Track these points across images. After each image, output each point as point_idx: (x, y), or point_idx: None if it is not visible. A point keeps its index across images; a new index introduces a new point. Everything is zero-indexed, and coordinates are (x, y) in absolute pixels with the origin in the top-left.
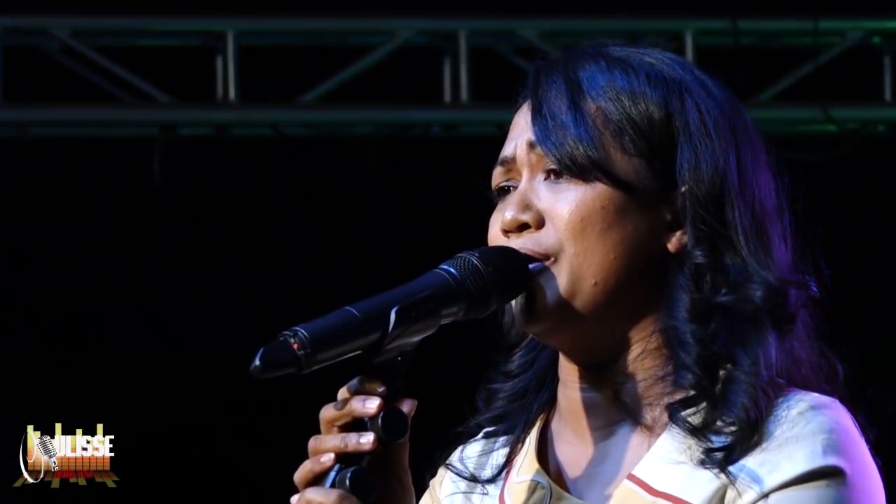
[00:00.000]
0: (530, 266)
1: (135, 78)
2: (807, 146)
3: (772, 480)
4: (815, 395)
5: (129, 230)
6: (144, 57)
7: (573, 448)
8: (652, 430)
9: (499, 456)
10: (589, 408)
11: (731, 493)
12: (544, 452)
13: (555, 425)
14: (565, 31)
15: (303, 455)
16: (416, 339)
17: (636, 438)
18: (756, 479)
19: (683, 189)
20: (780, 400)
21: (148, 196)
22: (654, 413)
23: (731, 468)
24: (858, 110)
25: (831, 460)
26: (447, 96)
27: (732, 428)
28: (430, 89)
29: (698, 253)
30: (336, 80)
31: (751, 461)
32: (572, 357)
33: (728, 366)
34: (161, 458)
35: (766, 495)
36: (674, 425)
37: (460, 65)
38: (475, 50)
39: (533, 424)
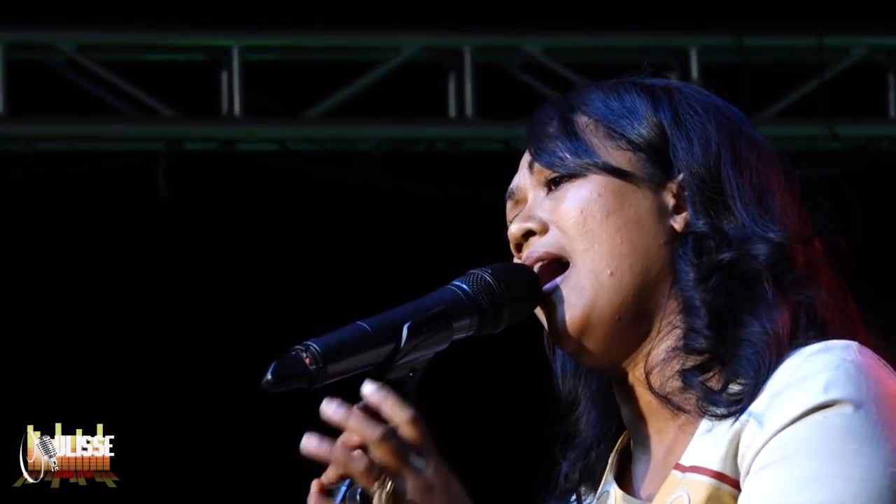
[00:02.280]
0: (546, 287)
1: (140, 92)
2: (811, 163)
3: (774, 425)
4: (830, 340)
5: (133, 244)
6: (149, 71)
7: (642, 458)
8: (696, 418)
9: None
10: (640, 418)
11: (743, 443)
12: (627, 469)
13: (632, 442)
14: (570, 48)
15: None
16: (429, 354)
17: (685, 430)
18: (762, 424)
19: (682, 175)
20: (796, 350)
21: (153, 210)
22: (693, 401)
23: (741, 416)
24: (863, 127)
25: (832, 395)
26: (452, 112)
27: (743, 384)
28: (434, 105)
29: (699, 223)
30: (341, 96)
31: (757, 407)
32: (611, 374)
33: (736, 329)
34: (161, 457)
35: (769, 440)
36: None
37: (465, 80)
38: (480, 66)
39: (611, 449)
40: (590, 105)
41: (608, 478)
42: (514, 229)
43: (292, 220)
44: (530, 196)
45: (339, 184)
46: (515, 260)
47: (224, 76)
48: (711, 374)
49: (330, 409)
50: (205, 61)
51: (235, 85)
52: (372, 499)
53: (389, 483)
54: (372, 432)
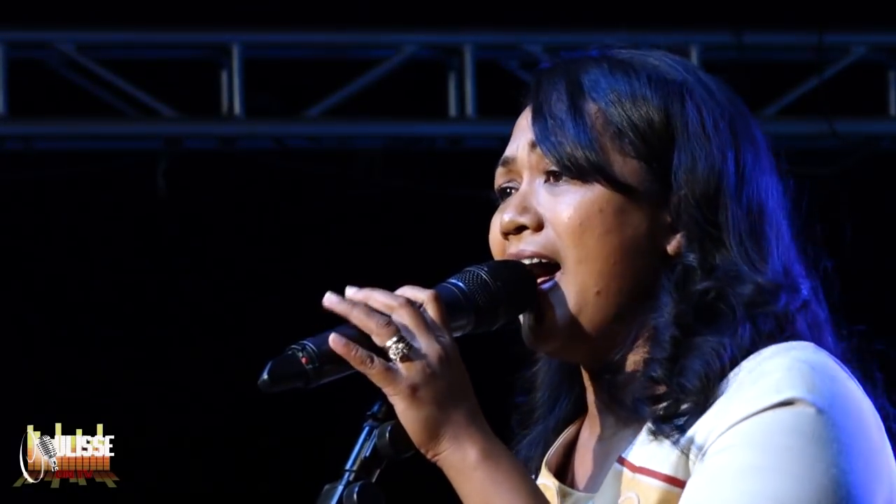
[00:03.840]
0: (543, 286)
1: (139, 91)
2: (811, 160)
3: (725, 424)
4: (787, 342)
5: (133, 243)
6: (149, 70)
7: (590, 451)
8: (642, 421)
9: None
10: (602, 410)
11: (695, 446)
12: (570, 458)
13: (584, 430)
14: (570, 45)
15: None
16: None
17: (633, 431)
18: (713, 427)
19: (681, 192)
20: (750, 357)
21: (152, 209)
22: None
23: (684, 436)
24: (863, 124)
25: (785, 394)
26: (452, 110)
27: (690, 401)
28: (435, 103)
29: (690, 255)
30: (341, 94)
31: (710, 412)
32: (583, 365)
33: (690, 338)
34: (161, 458)
35: (718, 437)
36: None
37: (465, 79)
38: (480, 64)
39: (560, 432)
40: (601, 93)
41: (544, 469)
42: (507, 219)
43: (292, 219)
44: (526, 176)
45: (339, 182)
46: (498, 239)
47: (224, 75)
48: (663, 403)
49: (350, 290)
50: (204, 60)
51: (235, 83)
52: (369, 495)
53: (405, 343)
54: (394, 299)
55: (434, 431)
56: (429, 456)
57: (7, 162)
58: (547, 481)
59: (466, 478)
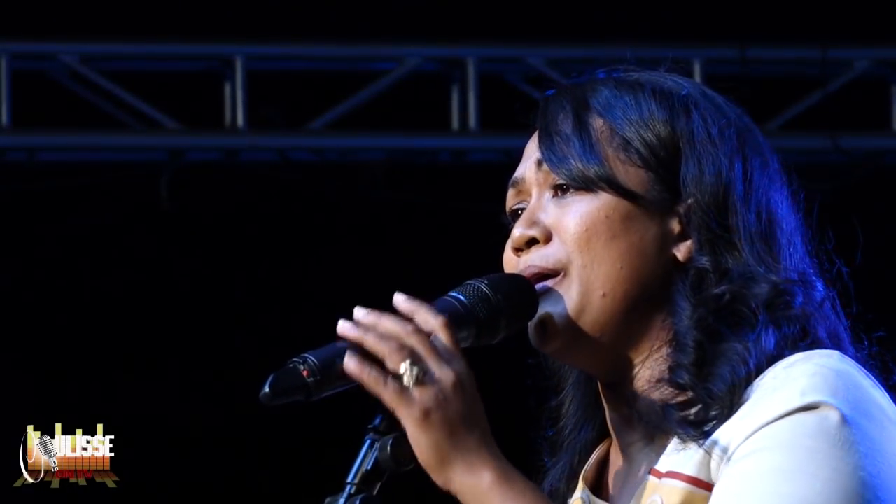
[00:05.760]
0: (536, 286)
1: (143, 103)
2: (814, 175)
3: (750, 428)
4: (813, 350)
5: (136, 255)
6: (152, 82)
7: (621, 469)
8: (668, 433)
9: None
10: (623, 426)
11: (718, 448)
12: (604, 474)
13: (613, 449)
14: (573, 59)
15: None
16: None
17: (660, 444)
18: (738, 430)
19: (689, 200)
20: (776, 363)
21: (156, 221)
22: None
23: (707, 440)
24: (867, 139)
25: (809, 399)
26: (455, 123)
27: (718, 407)
28: (438, 116)
29: (703, 259)
30: (344, 107)
31: (728, 426)
32: (598, 377)
33: (716, 345)
34: (161, 458)
35: (743, 441)
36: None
37: (469, 92)
38: (484, 77)
39: (590, 454)
40: (607, 108)
41: (581, 484)
42: (518, 234)
43: (295, 231)
44: (534, 193)
45: (342, 195)
46: (512, 259)
47: (227, 87)
48: (692, 409)
49: (360, 312)
50: (208, 72)
51: (238, 96)
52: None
53: (419, 367)
54: (404, 327)
55: (445, 456)
56: (439, 482)
57: (10, 173)
58: (582, 494)
59: (481, 502)
